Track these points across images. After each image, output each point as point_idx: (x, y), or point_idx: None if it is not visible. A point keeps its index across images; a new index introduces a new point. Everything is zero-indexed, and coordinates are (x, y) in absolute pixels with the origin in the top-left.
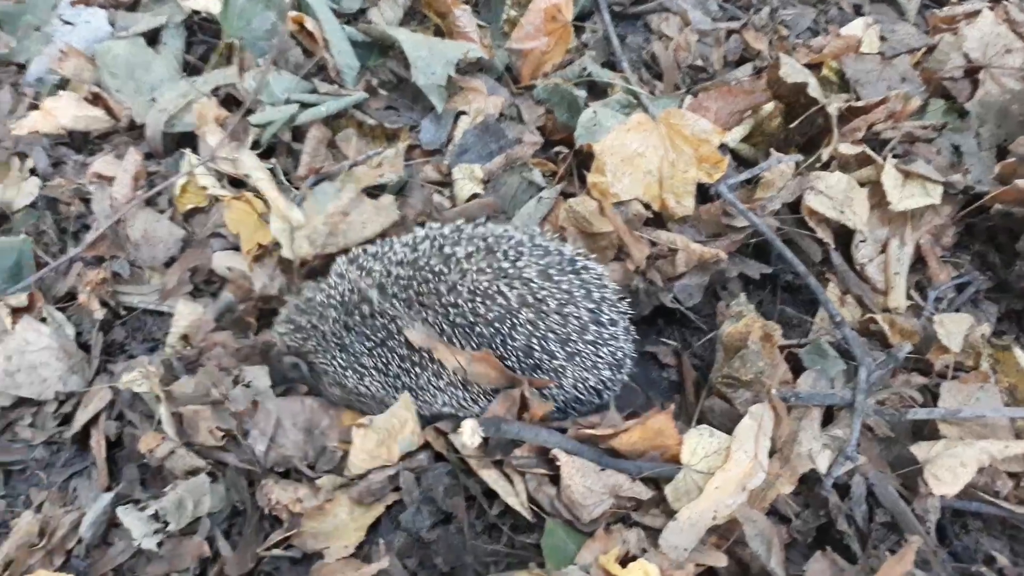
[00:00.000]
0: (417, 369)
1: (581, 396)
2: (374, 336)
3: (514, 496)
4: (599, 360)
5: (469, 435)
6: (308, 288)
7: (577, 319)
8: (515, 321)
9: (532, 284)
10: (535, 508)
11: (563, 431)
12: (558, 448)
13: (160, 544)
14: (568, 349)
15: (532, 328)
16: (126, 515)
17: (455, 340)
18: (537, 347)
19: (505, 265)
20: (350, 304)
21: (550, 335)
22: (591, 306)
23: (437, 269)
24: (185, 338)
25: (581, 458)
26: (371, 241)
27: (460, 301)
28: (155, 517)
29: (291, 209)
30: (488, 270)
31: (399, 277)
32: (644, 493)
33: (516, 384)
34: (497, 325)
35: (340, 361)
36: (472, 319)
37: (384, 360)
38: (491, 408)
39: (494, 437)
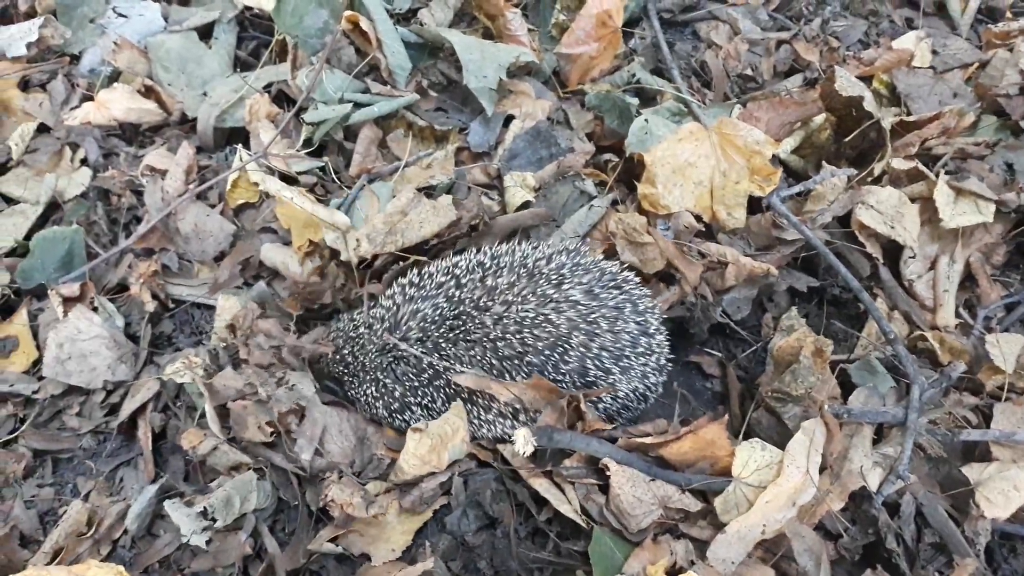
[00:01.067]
0: (468, 406)
1: (629, 404)
2: (419, 377)
3: (566, 503)
4: (647, 368)
5: (522, 444)
6: (359, 314)
7: (628, 334)
8: (567, 346)
9: (580, 306)
10: (584, 516)
11: (613, 440)
12: (608, 458)
13: (208, 542)
14: (622, 364)
15: (584, 350)
16: (174, 510)
17: (505, 373)
18: (592, 367)
19: (550, 291)
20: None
21: (603, 353)
22: (639, 319)
23: (481, 304)
24: (231, 328)
25: (631, 468)
26: (427, 241)
27: (508, 334)
28: (203, 514)
29: (333, 215)
30: (532, 298)
31: (444, 317)
32: (693, 505)
33: (571, 400)
34: (548, 352)
35: (372, 393)
36: (522, 350)
37: (430, 398)
38: (542, 418)
39: (546, 446)
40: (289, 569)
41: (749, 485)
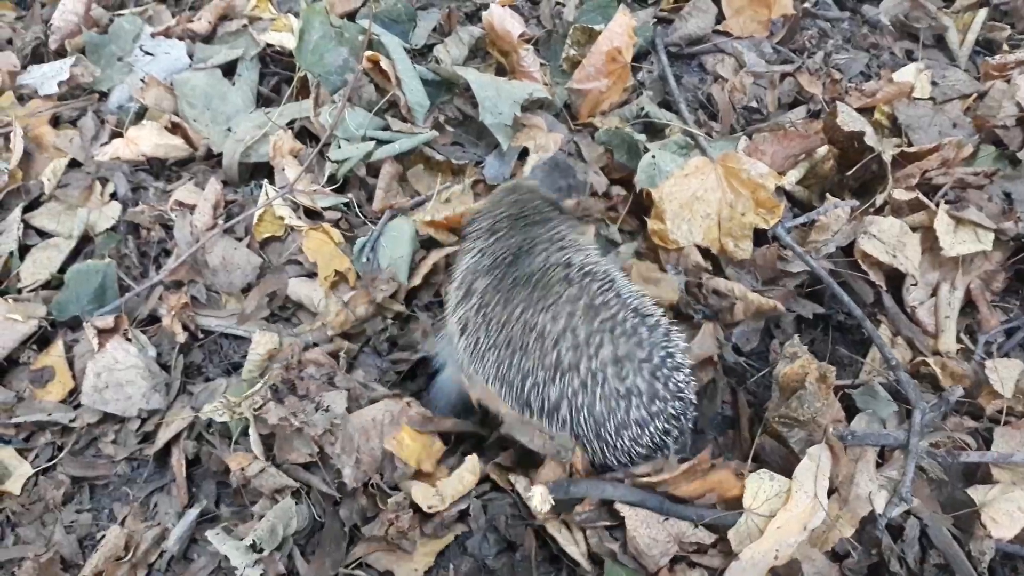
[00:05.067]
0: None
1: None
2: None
3: (572, 544)
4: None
5: (540, 502)
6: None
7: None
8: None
9: (633, 398)
10: (590, 560)
11: (622, 480)
12: (621, 501)
13: (263, 574)
14: (647, 442)
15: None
16: (221, 543)
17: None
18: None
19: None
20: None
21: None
22: (679, 405)
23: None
24: (269, 360)
25: (644, 508)
26: None
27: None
28: (252, 547)
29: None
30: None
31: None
32: (707, 538)
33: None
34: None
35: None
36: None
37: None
38: (544, 473)
39: (563, 498)
40: None
41: (760, 515)
